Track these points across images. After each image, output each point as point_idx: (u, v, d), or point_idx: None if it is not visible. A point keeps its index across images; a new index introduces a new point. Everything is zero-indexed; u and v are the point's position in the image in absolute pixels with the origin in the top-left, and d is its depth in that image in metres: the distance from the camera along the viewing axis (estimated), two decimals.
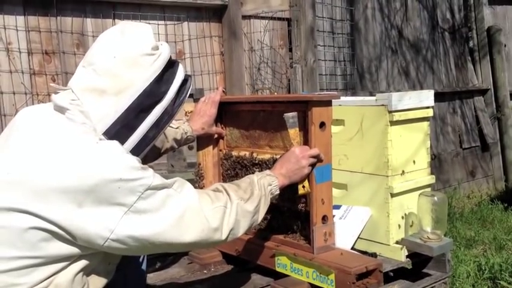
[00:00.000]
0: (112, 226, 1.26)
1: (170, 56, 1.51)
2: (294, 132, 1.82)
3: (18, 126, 1.40)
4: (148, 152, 1.88)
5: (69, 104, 1.37)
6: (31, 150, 1.30)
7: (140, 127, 1.42)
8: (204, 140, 2.23)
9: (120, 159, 1.29)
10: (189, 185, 1.44)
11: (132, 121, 1.40)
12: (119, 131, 1.38)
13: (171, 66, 1.50)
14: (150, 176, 1.32)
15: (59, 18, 2.80)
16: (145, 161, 1.88)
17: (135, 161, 1.32)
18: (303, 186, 1.81)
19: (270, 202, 1.66)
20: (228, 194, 1.51)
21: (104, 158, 1.28)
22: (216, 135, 2.21)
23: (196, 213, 1.39)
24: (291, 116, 1.80)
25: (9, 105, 2.66)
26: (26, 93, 2.71)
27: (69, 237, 1.26)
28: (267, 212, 2.06)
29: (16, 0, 2.67)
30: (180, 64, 1.54)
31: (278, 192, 1.69)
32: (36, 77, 2.75)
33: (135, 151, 1.42)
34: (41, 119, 1.40)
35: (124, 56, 1.40)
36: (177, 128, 2.03)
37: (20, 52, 2.70)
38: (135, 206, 1.27)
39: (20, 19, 2.69)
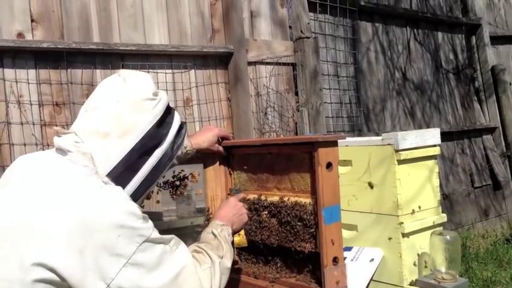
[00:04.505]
0: (109, 278, 1.25)
1: (169, 103, 1.57)
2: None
3: (15, 174, 1.41)
4: None
5: (71, 146, 1.40)
6: (33, 195, 1.30)
7: (142, 169, 1.45)
8: (211, 185, 2.24)
9: (122, 205, 1.31)
10: (183, 244, 1.46)
11: (135, 163, 1.43)
12: (122, 172, 1.40)
13: (169, 111, 1.56)
14: (149, 228, 1.33)
15: (69, 70, 2.87)
16: None
17: (136, 208, 1.33)
18: (238, 234, 1.87)
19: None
20: (209, 255, 1.54)
21: (107, 204, 1.29)
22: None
23: (191, 275, 1.41)
24: (235, 189, 2.12)
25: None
26: (36, 144, 2.74)
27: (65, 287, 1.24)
28: (277, 255, 2.05)
29: (28, 55, 2.75)
30: (176, 110, 1.61)
31: (232, 239, 1.76)
32: (47, 128, 2.80)
33: (137, 193, 1.44)
34: (41, 163, 1.42)
35: (127, 100, 1.45)
36: None
37: (31, 104, 2.75)
38: (134, 258, 1.27)
39: (32, 72, 2.76)
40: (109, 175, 1.38)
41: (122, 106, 1.44)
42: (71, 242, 1.22)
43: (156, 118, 1.48)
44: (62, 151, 1.42)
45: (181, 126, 1.61)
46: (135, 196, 1.43)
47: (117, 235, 1.25)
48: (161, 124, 1.50)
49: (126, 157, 1.41)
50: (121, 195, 1.34)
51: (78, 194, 1.29)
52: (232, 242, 1.74)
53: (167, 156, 1.52)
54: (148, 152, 1.46)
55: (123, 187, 1.39)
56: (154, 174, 1.49)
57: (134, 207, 1.33)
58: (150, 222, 1.36)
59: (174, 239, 1.42)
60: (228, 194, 2.19)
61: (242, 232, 1.89)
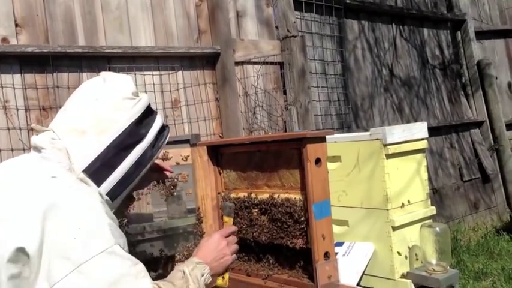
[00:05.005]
0: (53, 281, 1.16)
1: (150, 104, 1.56)
2: (228, 220, 1.88)
3: None
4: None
5: (46, 143, 1.39)
6: (4, 195, 1.28)
7: (120, 166, 1.43)
8: (201, 184, 2.23)
9: (86, 207, 1.26)
10: (149, 278, 1.31)
11: (112, 159, 1.41)
12: (98, 168, 1.38)
13: (150, 112, 1.55)
14: (110, 239, 1.23)
15: (55, 74, 2.85)
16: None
17: (103, 214, 1.27)
18: (223, 277, 1.69)
19: None
20: None
21: (70, 204, 1.24)
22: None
23: None
24: (228, 206, 1.89)
25: None
26: (24, 149, 2.72)
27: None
28: (269, 252, 2.05)
29: (13, 60, 2.73)
30: (158, 113, 1.60)
31: (211, 280, 1.56)
32: (34, 133, 2.77)
33: (114, 191, 1.42)
34: (15, 165, 1.40)
35: (106, 98, 1.45)
36: None
37: (17, 109, 2.73)
38: (85, 266, 1.17)
39: (17, 77, 2.75)
40: (85, 171, 1.37)
41: (101, 104, 1.44)
42: (34, 238, 1.18)
43: (134, 116, 1.47)
44: (37, 149, 1.41)
45: (164, 128, 1.60)
46: (113, 194, 1.41)
47: (73, 237, 1.19)
48: (140, 123, 1.49)
49: (103, 153, 1.39)
50: (89, 197, 1.30)
51: (45, 193, 1.26)
52: (211, 283, 1.57)
53: (147, 155, 1.50)
54: (126, 149, 1.44)
55: (99, 184, 1.38)
56: (134, 173, 1.47)
57: (100, 211, 1.27)
58: (118, 235, 1.28)
59: (140, 264, 1.28)
60: (221, 209, 2.12)
61: (226, 276, 1.69)
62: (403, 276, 2.07)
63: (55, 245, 1.18)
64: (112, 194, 1.42)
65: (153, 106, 1.65)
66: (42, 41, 2.82)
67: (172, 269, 2.28)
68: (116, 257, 1.22)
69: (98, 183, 1.39)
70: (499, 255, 4.02)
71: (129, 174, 1.45)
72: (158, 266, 2.37)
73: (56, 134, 1.40)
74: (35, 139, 1.43)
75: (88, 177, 1.37)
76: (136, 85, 1.58)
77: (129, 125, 1.45)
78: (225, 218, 1.90)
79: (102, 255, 1.19)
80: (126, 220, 2.26)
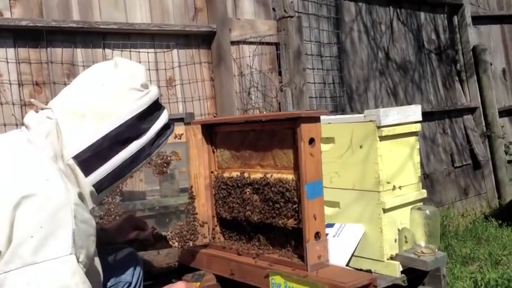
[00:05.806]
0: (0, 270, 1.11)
1: (158, 99, 1.50)
2: (196, 285, 1.81)
3: None
4: None
5: (36, 124, 1.33)
6: None
7: (113, 159, 1.37)
8: (195, 163, 2.24)
9: (55, 207, 1.17)
10: None
11: (106, 151, 1.35)
12: (90, 157, 1.33)
13: (157, 108, 1.48)
14: (68, 248, 1.15)
15: (49, 49, 2.82)
16: None
17: (69, 217, 1.18)
18: None
19: None
20: None
21: (41, 199, 1.17)
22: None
23: None
24: (197, 274, 1.91)
25: None
26: (16, 124, 2.71)
27: None
28: (260, 231, 2.07)
29: (6, 33, 2.70)
30: (165, 109, 1.53)
31: None
32: (27, 108, 2.76)
33: (102, 183, 1.37)
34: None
35: (113, 85, 1.39)
36: None
37: (10, 84, 2.71)
38: (30, 268, 1.11)
39: (10, 51, 2.72)
40: (76, 157, 1.31)
41: (106, 90, 1.38)
42: (2, 234, 1.14)
43: (138, 110, 1.40)
44: (26, 127, 1.37)
45: (168, 125, 1.52)
46: (100, 186, 1.36)
47: (31, 235, 1.12)
48: (144, 118, 1.42)
49: (97, 142, 1.34)
50: (63, 194, 1.20)
51: (19, 185, 1.18)
52: None
53: (144, 152, 1.43)
54: (123, 143, 1.38)
55: (88, 174, 1.33)
56: (127, 168, 1.40)
57: (69, 214, 1.18)
58: (81, 244, 1.19)
59: (88, 284, 1.19)
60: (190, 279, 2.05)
61: None
62: (392, 257, 2.09)
63: (15, 235, 1.13)
64: (99, 186, 1.37)
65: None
66: (36, 14, 2.78)
67: (163, 247, 2.31)
68: (66, 268, 1.14)
69: (86, 172, 1.33)
70: (486, 241, 4.07)
71: (120, 169, 1.39)
72: (149, 244, 2.38)
73: (54, 114, 1.35)
74: (26, 117, 1.37)
75: (77, 165, 1.32)
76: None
77: (131, 118, 1.38)
78: (194, 284, 1.83)
79: (53, 262, 1.13)
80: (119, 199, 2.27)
